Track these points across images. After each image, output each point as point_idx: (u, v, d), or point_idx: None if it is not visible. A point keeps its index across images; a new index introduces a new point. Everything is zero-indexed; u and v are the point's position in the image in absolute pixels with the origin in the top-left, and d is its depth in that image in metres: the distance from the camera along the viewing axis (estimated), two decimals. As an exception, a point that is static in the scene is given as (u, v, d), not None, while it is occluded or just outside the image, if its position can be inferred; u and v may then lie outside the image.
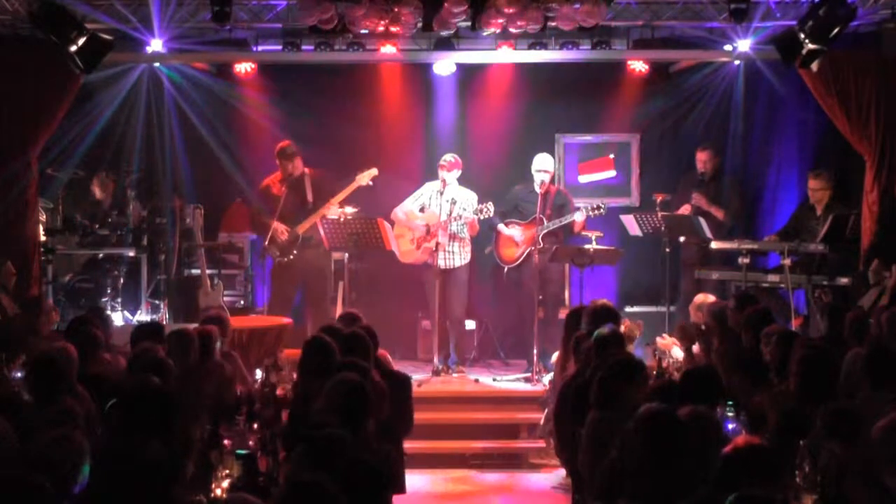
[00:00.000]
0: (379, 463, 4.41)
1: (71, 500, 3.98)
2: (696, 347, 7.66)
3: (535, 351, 9.19)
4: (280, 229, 9.81)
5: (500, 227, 9.68)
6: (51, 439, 4.19)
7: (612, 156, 11.14)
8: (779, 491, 4.15)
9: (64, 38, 8.33)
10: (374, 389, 5.36)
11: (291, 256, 9.87)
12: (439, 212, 9.41)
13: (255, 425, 5.65)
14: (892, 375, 5.24)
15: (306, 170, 9.99)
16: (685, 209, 10.00)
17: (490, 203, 9.37)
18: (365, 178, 9.72)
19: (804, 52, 8.48)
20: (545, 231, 9.46)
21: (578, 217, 9.46)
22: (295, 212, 9.87)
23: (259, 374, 6.87)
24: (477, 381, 9.41)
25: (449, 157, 9.59)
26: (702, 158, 10.15)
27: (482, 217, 9.39)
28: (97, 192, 10.38)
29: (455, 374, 9.55)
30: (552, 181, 9.76)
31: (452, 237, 9.50)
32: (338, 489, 3.66)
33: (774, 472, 4.12)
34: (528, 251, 9.53)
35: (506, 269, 9.76)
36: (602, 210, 9.47)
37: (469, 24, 8.92)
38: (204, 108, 10.57)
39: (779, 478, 4.18)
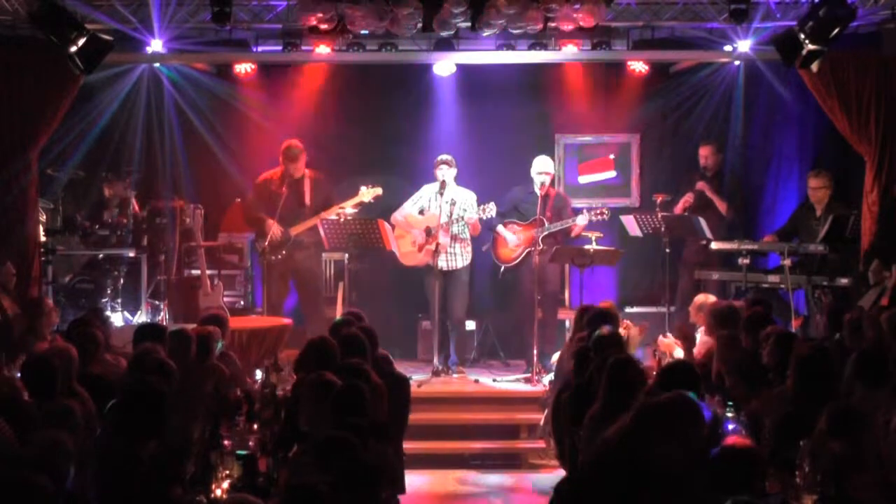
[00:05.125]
0: (376, 462, 4.42)
1: (68, 499, 3.98)
2: (696, 350, 7.67)
3: (534, 351, 9.19)
4: (275, 228, 9.78)
5: (500, 228, 9.67)
6: (39, 441, 4.20)
7: (612, 156, 11.14)
8: (769, 490, 4.16)
9: (64, 38, 8.33)
10: (371, 390, 5.37)
11: (279, 256, 9.82)
12: (439, 213, 9.40)
13: (255, 426, 5.66)
14: (889, 375, 5.25)
15: (307, 171, 9.97)
16: (687, 198, 10.00)
17: (492, 203, 9.37)
18: (368, 195, 9.68)
19: (804, 52, 8.48)
20: (545, 233, 9.46)
21: (581, 221, 9.44)
22: (291, 212, 9.83)
23: (259, 374, 6.86)
24: (477, 381, 9.40)
25: (445, 157, 9.58)
26: (704, 153, 10.15)
27: (484, 217, 9.39)
28: (107, 192, 10.36)
29: (455, 375, 9.55)
30: (552, 183, 9.76)
31: (454, 238, 9.49)
32: (335, 492, 3.66)
33: (763, 473, 4.12)
34: (526, 252, 9.53)
35: (502, 269, 9.76)
36: (605, 215, 9.47)
37: (469, 24, 8.92)
38: (204, 108, 10.58)
39: (765, 478, 4.19)
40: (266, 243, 9.68)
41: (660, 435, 4.19)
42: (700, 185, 10.00)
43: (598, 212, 9.45)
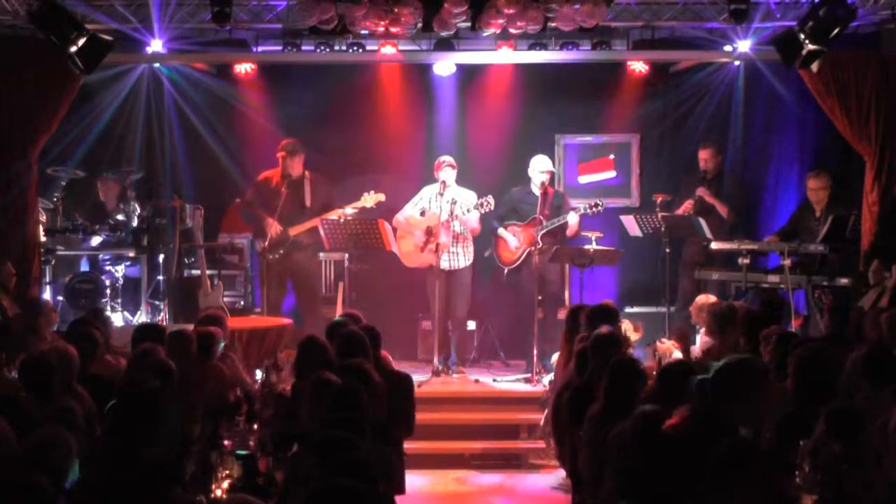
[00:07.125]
0: (375, 461, 4.41)
1: (67, 499, 3.98)
2: (694, 350, 7.67)
3: (534, 351, 9.19)
4: (274, 227, 9.76)
5: (500, 230, 9.67)
6: (41, 439, 4.20)
7: (612, 156, 11.14)
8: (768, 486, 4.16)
9: (64, 38, 8.33)
10: (373, 390, 5.36)
11: (277, 255, 9.80)
12: (440, 213, 9.40)
13: (255, 426, 5.66)
14: (893, 375, 5.24)
15: (307, 172, 9.96)
16: (688, 205, 9.98)
17: (490, 197, 9.36)
18: (370, 200, 9.65)
19: (804, 52, 8.48)
20: (543, 231, 9.45)
21: (571, 219, 9.43)
22: (290, 212, 9.81)
23: (259, 374, 6.87)
24: (477, 381, 9.41)
25: (446, 158, 9.59)
26: (703, 156, 10.12)
27: (483, 211, 9.37)
28: (101, 196, 10.37)
29: (455, 375, 9.55)
30: (550, 182, 9.76)
31: (456, 237, 9.49)
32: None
33: (764, 467, 4.12)
34: (526, 252, 9.52)
35: (506, 271, 9.75)
36: (600, 207, 9.45)
37: (469, 24, 8.92)
38: (204, 108, 10.60)
39: (769, 472, 4.18)
40: (266, 243, 9.66)
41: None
42: (700, 190, 9.98)
43: (592, 205, 9.43)
